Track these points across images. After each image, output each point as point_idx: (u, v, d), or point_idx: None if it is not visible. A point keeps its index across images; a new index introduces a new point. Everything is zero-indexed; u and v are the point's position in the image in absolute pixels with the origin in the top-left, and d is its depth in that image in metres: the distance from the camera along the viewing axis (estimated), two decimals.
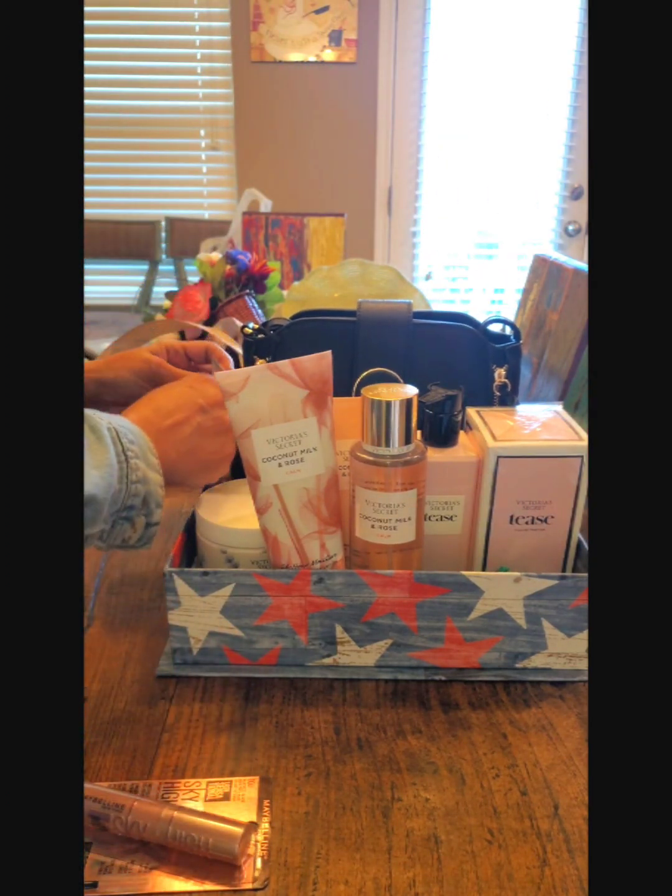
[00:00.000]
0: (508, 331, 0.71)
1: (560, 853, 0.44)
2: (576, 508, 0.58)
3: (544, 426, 0.60)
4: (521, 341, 0.69)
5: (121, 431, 0.51)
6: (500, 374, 0.68)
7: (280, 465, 0.55)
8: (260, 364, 0.64)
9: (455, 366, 0.68)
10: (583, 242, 2.51)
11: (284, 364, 0.54)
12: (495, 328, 0.71)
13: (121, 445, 0.50)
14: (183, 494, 0.80)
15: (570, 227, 2.52)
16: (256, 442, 0.54)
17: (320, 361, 0.55)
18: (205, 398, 0.59)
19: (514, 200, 2.52)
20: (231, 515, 0.60)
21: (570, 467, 0.57)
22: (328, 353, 0.55)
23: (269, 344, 0.70)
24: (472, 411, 0.63)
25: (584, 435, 0.59)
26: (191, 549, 0.64)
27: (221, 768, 0.50)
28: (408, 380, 0.59)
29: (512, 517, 0.59)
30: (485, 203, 2.51)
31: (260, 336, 0.70)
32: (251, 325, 0.71)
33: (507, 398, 0.68)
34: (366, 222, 2.51)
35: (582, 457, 0.57)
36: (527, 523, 0.59)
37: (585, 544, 0.61)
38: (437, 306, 1.92)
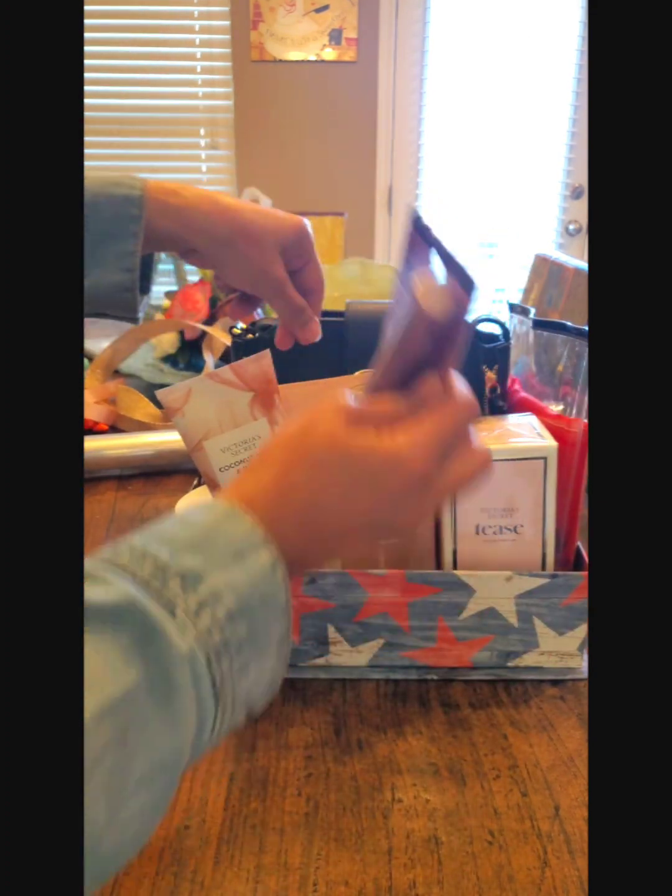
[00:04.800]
0: (499, 330, 0.70)
1: (561, 854, 0.44)
2: (545, 514, 0.57)
3: (508, 431, 0.59)
4: (510, 341, 0.69)
5: (218, 647, 0.29)
6: (490, 377, 0.68)
7: (239, 472, 0.55)
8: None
9: None
10: (583, 242, 2.51)
11: (225, 370, 0.54)
12: (486, 328, 0.70)
13: (210, 678, 0.29)
14: (167, 497, 0.79)
15: (571, 227, 2.52)
16: (211, 453, 0.54)
17: (260, 361, 0.55)
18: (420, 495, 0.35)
19: (515, 200, 2.51)
20: None
21: (533, 470, 0.56)
22: (267, 353, 0.55)
23: (258, 344, 0.70)
24: None
25: (549, 437, 0.57)
26: None
27: (221, 769, 0.50)
28: None
29: (478, 527, 0.57)
30: (485, 203, 2.51)
31: (249, 336, 0.70)
32: (239, 325, 0.70)
33: (497, 400, 0.68)
34: (366, 222, 2.51)
35: (544, 459, 0.55)
36: (495, 533, 0.57)
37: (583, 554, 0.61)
38: None
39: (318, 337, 0.60)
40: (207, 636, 0.28)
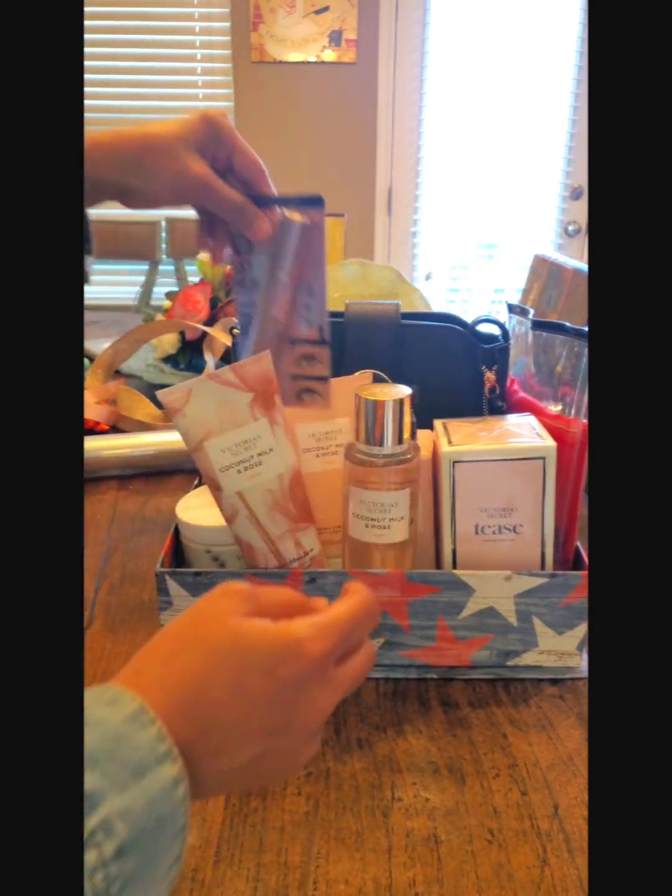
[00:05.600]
0: (498, 331, 0.70)
1: (560, 853, 0.44)
2: (544, 514, 0.57)
3: (507, 431, 0.59)
4: (510, 342, 0.69)
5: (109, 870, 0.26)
6: (489, 378, 0.68)
7: (239, 472, 0.55)
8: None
9: (444, 366, 0.68)
10: (583, 242, 2.51)
11: (225, 371, 0.54)
12: (485, 328, 0.71)
13: None
14: (168, 497, 0.78)
15: (570, 227, 2.52)
16: (211, 453, 0.54)
17: (261, 362, 0.55)
18: (296, 702, 0.31)
19: (514, 201, 2.52)
20: (212, 514, 0.60)
21: (532, 470, 0.56)
22: (267, 353, 0.56)
23: None
24: (438, 423, 0.62)
25: (548, 437, 0.57)
26: (181, 550, 0.64)
27: None
28: (396, 381, 0.58)
29: (477, 527, 0.57)
30: (485, 203, 2.51)
31: None
32: (239, 326, 0.71)
33: (496, 401, 0.68)
34: (366, 222, 2.51)
35: (543, 459, 0.55)
36: (494, 532, 0.57)
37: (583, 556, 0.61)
38: (437, 307, 1.91)
39: (269, 233, 0.57)
40: (90, 879, 0.25)
